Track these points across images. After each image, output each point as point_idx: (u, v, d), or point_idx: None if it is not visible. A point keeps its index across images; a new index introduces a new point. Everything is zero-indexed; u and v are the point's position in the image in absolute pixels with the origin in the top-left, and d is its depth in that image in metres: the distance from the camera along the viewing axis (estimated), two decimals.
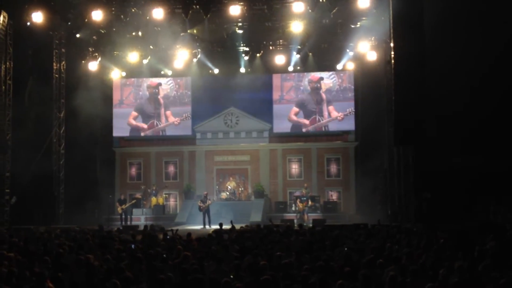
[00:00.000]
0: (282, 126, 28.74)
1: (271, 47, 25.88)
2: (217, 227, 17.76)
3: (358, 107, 27.99)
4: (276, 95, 28.88)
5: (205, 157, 29.22)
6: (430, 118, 20.01)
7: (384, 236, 13.93)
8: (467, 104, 22.06)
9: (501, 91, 21.35)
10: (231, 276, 8.75)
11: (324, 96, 28.46)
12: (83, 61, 26.23)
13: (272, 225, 17.33)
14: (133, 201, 26.28)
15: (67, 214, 25.25)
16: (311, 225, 21.36)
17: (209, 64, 27.34)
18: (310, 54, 26.06)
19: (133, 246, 12.58)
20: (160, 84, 29.54)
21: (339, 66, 27.25)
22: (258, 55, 25.96)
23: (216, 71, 27.95)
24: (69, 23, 23.29)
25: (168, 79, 29.50)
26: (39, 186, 23.96)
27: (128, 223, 24.52)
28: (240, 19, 23.07)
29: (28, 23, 22.21)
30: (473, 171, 21.14)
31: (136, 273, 9.14)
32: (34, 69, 24.47)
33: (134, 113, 29.69)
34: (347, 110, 28.18)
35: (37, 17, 21.79)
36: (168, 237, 14.90)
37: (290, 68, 27.24)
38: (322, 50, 25.94)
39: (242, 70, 27.59)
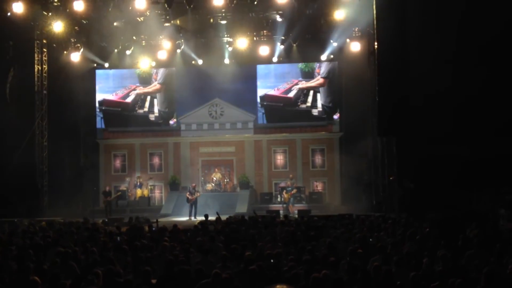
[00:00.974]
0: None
1: (255, 38, 25.80)
2: (203, 218, 17.77)
3: (342, 98, 28.09)
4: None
5: (190, 148, 29.14)
6: (413, 108, 20.13)
7: (368, 226, 14.05)
8: (450, 94, 22.22)
9: (485, 81, 21.52)
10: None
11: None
12: (65, 52, 25.89)
13: (256, 216, 17.37)
14: (118, 193, 26.15)
15: (51, 206, 25.04)
16: (296, 215, 21.47)
17: (193, 55, 27.17)
18: (294, 45, 26.01)
19: (118, 238, 12.55)
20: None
21: (323, 57, 27.27)
22: (242, 46, 25.86)
23: (200, 62, 27.79)
24: (50, 14, 22.95)
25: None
26: (22, 179, 23.71)
27: (113, 215, 24.39)
28: (223, 10, 22.96)
29: (9, 14, 21.84)
30: (456, 161, 21.32)
31: (122, 265, 9.12)
32: (16, 60, 24.13)
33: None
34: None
35: (18, 7, 21.43)
36: (153, 229, 14.87)
37: (275, 59, 27.19)
38: (306, 41, 25.92)
39: (226, 61, 27.48)
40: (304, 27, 24.29)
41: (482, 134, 21.24)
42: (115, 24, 23.61)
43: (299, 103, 28.74)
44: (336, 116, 28.45)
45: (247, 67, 28.29)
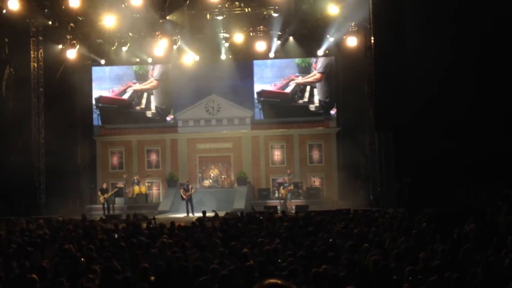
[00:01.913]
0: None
1: (251, 34, 25.75)
2: (200, 215, 17.76)
3: (339, 93, 28.07)
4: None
5: (187, 145, 29.11)
6: (410, 102, 20.13)
7: (366, 221, 14.07)
8: (448, 89, 22.24)
9: (482, 76, 21.54)
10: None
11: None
12: (61, 48, 25.80)
13: (254, 212, 17.38)
14: (115, 190, 26.11)
15: (48, 204, 24.96)
16: (294, 211, 21.49)
17: (190, 51, 27.12)
18: (291, 40, 25.96)
19: (116, 235, 12.54)
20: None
21: (319, 52, 27.25)
22: (238, 41, 25.80)
23: (196, 58, 27.74)
24: (46, 10, 22.85)
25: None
26: (19, 177, 23.63)
27: (111, 212, 24.38)
28: (219, 5, 22.88)
29: (4, 11, 21.74)
30: (454, 155, 21.38)
31: (120, 263, 9.11)
32: (11, 57, 24.02)
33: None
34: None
35: (13, 4, 21.31)
36: (151, 225, 14.86)
37: (271, 55, 27.15)
38: (303, 36, 25.87)
39: (223, 56, 27.43)
40: (301, 22, 24.25)
41: (479, 130, 21.28)
42: (111, 20, 23.51)
43: (296, 99, 28.72)
44: (333, 111, 28.43)
45: (244, 63, 28.25)
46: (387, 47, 19.36)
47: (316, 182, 28.20)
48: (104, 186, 26.01)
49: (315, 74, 28.57)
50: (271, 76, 28.87)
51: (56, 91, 25.31)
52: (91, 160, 29.23)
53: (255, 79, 28.84)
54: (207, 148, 29.07)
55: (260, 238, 11.22)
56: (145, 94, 29.58)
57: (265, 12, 23.74)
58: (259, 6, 23.26)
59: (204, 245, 10.18)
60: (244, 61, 28.08)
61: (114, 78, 29.62)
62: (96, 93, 29.43)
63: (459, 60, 21.50)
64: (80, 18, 23.89)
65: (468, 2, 21.01)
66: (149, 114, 29.54)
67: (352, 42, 25.33)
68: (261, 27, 25.41)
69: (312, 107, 28.68)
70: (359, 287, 7.16)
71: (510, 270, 7.88)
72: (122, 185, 27.33)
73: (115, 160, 29.46)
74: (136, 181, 27.20)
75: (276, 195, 26.34)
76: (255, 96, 28.78)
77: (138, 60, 28.13)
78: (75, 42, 25.27)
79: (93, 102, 29.37)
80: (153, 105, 29.49)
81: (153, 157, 29.34)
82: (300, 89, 28.72)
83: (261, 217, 15.79)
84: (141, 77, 29.58)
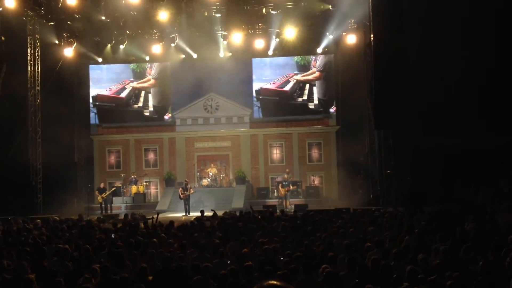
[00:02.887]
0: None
1: (250, 31, 25.60)
2: (197, 214, 17.63)
3: (338, 91, 27.96)
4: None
5: (185, 143, 28.97)
6: (410, 100, 20.03)
7: (366, 220, 13.96)
8: (447, 87, 22.16)
9: (481, 73, 21.45)
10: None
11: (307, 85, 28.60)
12: (58, 47, 25.65)
13: (252, 211, 17.26)
14: (113, 189, 25.97)
15: (46, 204, 24.82)
16: (293, 210, 21.36)
17: (187, 49, 26.99)
18: (290, 38, 25.83)
19: (113, 235, 12.42)
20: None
21: (319, 50, 27.14)
22: (237, 39, 25.67)
23: (194, 56, 27.60)
24: (43, 8, 22.70)
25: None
26: (16, 176, 23.49)
27: (109, 211, 24.24)
28: (218, 3, 22.75)
29: (0, 9, 21.58)
30: (454, 154, 21.28)
31: (118, 262, 8.99)
32: (8, 56, 23.84)
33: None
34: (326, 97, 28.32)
35: (10, 2, 21.19)
36: (149, 225, 14.72)
37: (270, 52, 27.04)
38: (302, 34, 25.74)
39: (221, 54, 27.29)
40: (300, 19, 24.12)
41: (480, 128, 21.19)
42: (108, 18, 23.36)
43: (295, 97, 28.61)
44: (332, 110, 28.32)
45: (242, 61, 28.10)
46: (387, 44, 19.27)
47: (316, 181, 28.07)
48: (102, 185, 25.87)
49: (314, 72, 28.46)
50: (270, 74, 28.73)
51: (53, 90, 25.15)
52: (88, 159, 29.09)
53: (253, 77, 28.71)
54: (205, 146, 28.94)
55: (259, 238, 11.10)
56: (143, 93, 29.44)
57: (263, 10, 23.59)
58: (258, 3, 23.13)
59: (203, 244, 10.06)
60: (243, 59, 27.95)
61: (112, 77, 29.47)
62: (93, 91, 29.29)
63: (460, 56, 21.41)
64: (77, 16, 23.75)
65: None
66: (146, 112, 29.41)
67: (351, 39, 25.23)
68: (260, 24, 25.26)
69: (311, 105, 28.56)
70: (359, 286, 7.06)
71: (510, 269, 7.77)
72: (120, 184, 27.19)
73: (112, 159, 29.32)
74: (133, 180, 27.07)
75: (275, 194, 26.20)
76: (254, 94, 28.66)
77: (135, 58, 27.96)
78: (72, 40, 25.13)
79: (90, 100, 29.23)
80: (151, 104, 29.36)
81: (151, 156, 29.21)
82: (299, 87, 28.59)
83: (260, 216, 15.66)
84: (139, 75, 29.45)
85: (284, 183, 25.03)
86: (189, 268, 8.27)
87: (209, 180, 26.94)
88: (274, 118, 28.63)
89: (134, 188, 26.87)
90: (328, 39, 25.82)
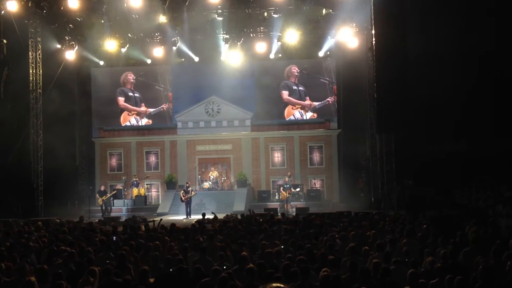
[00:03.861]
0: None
1: (251, 35, 25.62)
2: (198, 217, 17.60)
3: (340, 94, 27.97)
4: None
5: (186, 146, 28.98)
6: (412, 105, 20.04)
7: (367, 224, 13.93)
8: (448, 91, 22.16)
9: (486, 78, 21.47)
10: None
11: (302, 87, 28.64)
12: (59, 50, 25.70)
13: (252, 214, 17.24)
14: (114, 192, 25.99)
15: (47, 206, 24.82)
16: (294, 213, 21.34)
17: (189, 52, 27.01)
18: (291, 41, 25.84)
19: (114, 238, 12.41)
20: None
21: (320, 53, 27.14)
22: (238, 42, 25.70)
23: (196, 59, 27.63)
24: (44, 11, 22.74)
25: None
26: (17, 178, 23.50)
27: (106, 214, 24.22)
28: (219, 6, 22.78)
29: (2, 12, 21.63)
30: (455, 158, 21.28)
31: (118, 265, 8.98)
32: (10, 59, 23.87)
33: (121, 98, 29.46)
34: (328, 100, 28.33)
35: (12, 5, 21.24)
36: (149, 228, 14.71)
37: (271, 56, 27.05)
38: (303, 38, 25.75)
39: (223, 58, 27.32)
40: (301, 23, 24.13)
41: (481, 132, 21.20)
42: (110, 22, 23.40)
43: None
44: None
45: (244, 64, 28.12)
46: (389, 48, 19.26)
47: (317, 184, 28.06)
48: (102, 188, 25.88)
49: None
50: (271, 77, 28.70)
51: (55, 93, 25.18)
52: (89, 162, 29.10)
53: (255, 80, 28.71)
54: (206, 150, 28.95)
55: (260, 241, 11.09)
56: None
57: (265, 13, 23.61)
58: (260, 7, 23.14)
59: (204, 247, 10.05)
60: (244, 62, 27.97)
61: (113, 79, 29.49)
62: (94, 94, 29.31)
63: (461, 61, 21.42)
64: (79, 19, 23.79)
65: (472, 3, 20.94)
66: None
67: (353, 43, 25.21)
68: (261, 28, 25.28)
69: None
70: None
71: (511, 273, 7.75)
72: (121, 187, 27.19)
73: (114, 161, 29.33)
74: (135, 183, 27.07)
75: (277, 197, 26.19)
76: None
77: (136, 61, 28.02)
78: (73, 43, 25.17)
79: (92, 103, 29.26)
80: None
81: (152, 158, 29.22)
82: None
83: (261, 219, 15.64)
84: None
85: (285, 186, 25.02)
86: (191, 271, 8.27)
87: (210, 183, 26.94)
88: (275, 121, 28.64)
89: (135, 191, 26.87)
90: (330, 42, 25.83)
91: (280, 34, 24.83)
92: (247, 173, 27.86)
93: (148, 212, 24.55)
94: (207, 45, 26.36)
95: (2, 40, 23.10)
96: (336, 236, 11.72)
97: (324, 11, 23.33)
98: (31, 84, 24.85)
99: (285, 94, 28.67)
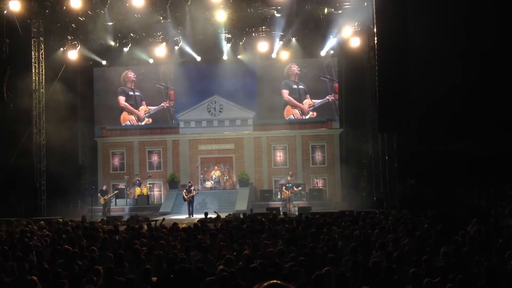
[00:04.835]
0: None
1: (254, 34, 25.63)
2: (201, 216, 17.63)
3: (342, 93, 27.95)
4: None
5: (189, 146, 29.01)
6: (414, 104, 20.03)
7: (369, 223, 13.93)
8: (450, 90, 22.14)
9: (487, 77, 21.44)
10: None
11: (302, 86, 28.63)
12: (62, 50, 25.75)
13: (252, 214, 17.24)
14: (116, 192, 26.03)
15: (49, 206, 24.87)
16: (296, 212, 21.35)
17: (191, 52, 27.03)
18: (294, 40, 25.85)
19: (117, 237, 12.43)
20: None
21: (322, 53, 27.13)
22: (240, 42, 25.69)
23: (198, 58, 27.65)
24: (47, 11, 22.78)
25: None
26: (20, 178, 23.55)
27: (107, 214, 24.25)
28: (221, 6, 22.79)
29: (5, 12, 21.68)
30: (457, 157, 21.27)
31: (120, 264, 9.01)
32: (12, 59, 23.92)
33: (122, 97, 29.48)
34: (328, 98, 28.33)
35: (14, 5, 21.30)
36: (152, 227, 14.73)
37: (273, 55, 27.05)
38: (305, 37, 25.76)
39: (225, 57, 27.33)
40: (303, 22, 24.13)
41: (484, 131, 21.18)
42: (113, 21, 23.43)
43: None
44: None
45: (246, 64, 28.13)
46: (391, 47, 19.25)
47: (319, 183, 28.05)
48: (104, 187, 25.93)
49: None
50: (274, 76, 28.71)
51: (57, 92, 25.23)
52: (92, 161, 29.15)
53: (257, 79, 28.72)
54: (209, 149, 28.97)
55: (262, 240, 11.10)
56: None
57: (267, 13, 23.61)
58: (262, 6, 23.14)
59: (207, 246, 10.06)
60: (246, 61, 27.97)
61: (115, 79, 29.53)
62: (96, 93, 29.36)
63: (463, 59, 21.40)
64: (81, 19, 23.83)
65: (472, 3, 20.91)
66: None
67: (355, 42, 25.20)
68: (264, 27, 25.29)
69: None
70: None
71: None
72: (123, 187, 27.23)
73: (116, 161, 29.37)
74: (137, 182, 27.11)
75: (279, 196, 26.21)
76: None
77: (138, 61, 28.04)
78: (76, 43, 25.23)
79: (94, 102, 29.30)
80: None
81: (155, 158, 29.25)
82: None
83: (263, 219, 15.66)
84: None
85: (287, 185, 25.04)
86: (193, 270, 8.28)
87: (212, 182, 26.97)
88: (277, 120, 28.64)
89: (137, 190, 26.91)
90: (331, 42, 25.82)
91: (282, 33, 24.82)
92: (249, 172, 27.88)
93: (151, 211, 24.59)
94: (209, 45, 26.38)
95: (5, 40, 23.16)
96: (336, 236, 11.72)
97: (326, 10, 23.31)
98: (33, 84, 24.87)
99: (285, 93, 28.66)
